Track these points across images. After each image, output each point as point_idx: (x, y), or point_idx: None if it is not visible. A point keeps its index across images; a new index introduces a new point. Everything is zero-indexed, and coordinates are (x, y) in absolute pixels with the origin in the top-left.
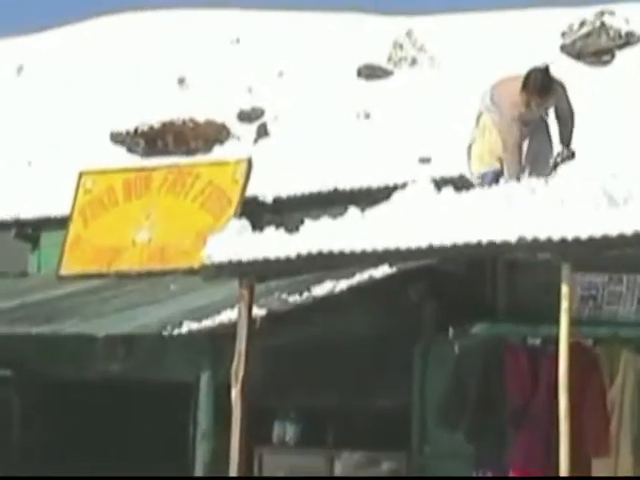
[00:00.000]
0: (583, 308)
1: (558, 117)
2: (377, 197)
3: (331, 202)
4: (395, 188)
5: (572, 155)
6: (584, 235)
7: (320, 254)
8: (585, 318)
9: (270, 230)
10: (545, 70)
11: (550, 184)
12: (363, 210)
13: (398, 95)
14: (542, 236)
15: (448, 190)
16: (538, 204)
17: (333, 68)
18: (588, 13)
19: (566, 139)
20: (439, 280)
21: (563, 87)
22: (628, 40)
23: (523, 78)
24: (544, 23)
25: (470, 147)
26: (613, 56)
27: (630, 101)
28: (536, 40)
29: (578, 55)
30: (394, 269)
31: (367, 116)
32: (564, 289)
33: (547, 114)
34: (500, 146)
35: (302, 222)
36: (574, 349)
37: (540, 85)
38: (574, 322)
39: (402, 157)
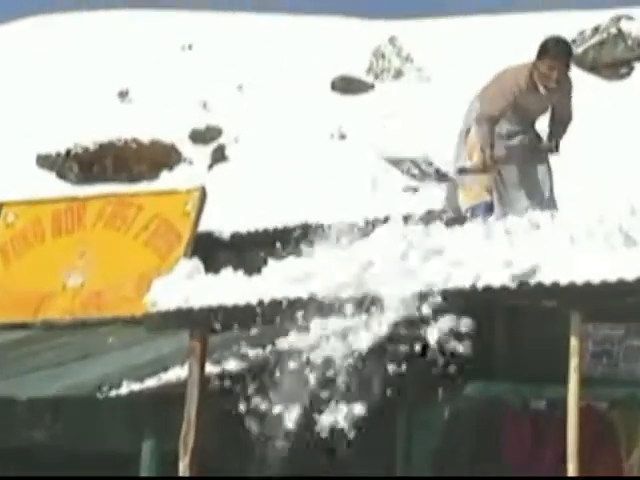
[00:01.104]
0: (596, 366)
1: (554, 118)
2: (354, 233)
3: (300, 239)
4: (376, 222)
5: (555, 148)
6: (597, 279)
7: (286, 300)
8: (598, 377)
9: (227, 272)
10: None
11: (557, 219)
12: (334, 249)
13: (379, 112)
14: (547, 280)
15: (437, 225)
16: (543, 242)
17: (303, 80)
18: (603, 18)
19: (556, 136)
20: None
21: (571, 85)
22: None
23: (541, 45)
24: (552, 28)
25: (460, 172)
26: (632, 68)
27: None
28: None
29: (591, 67)
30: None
31: (342, 137)
32: (573, 343)
33: (550, 109)
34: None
35: (265, 262)
36: (585, 414)
37: (566, 50)
38: (585, 382)
39: (384, 185)
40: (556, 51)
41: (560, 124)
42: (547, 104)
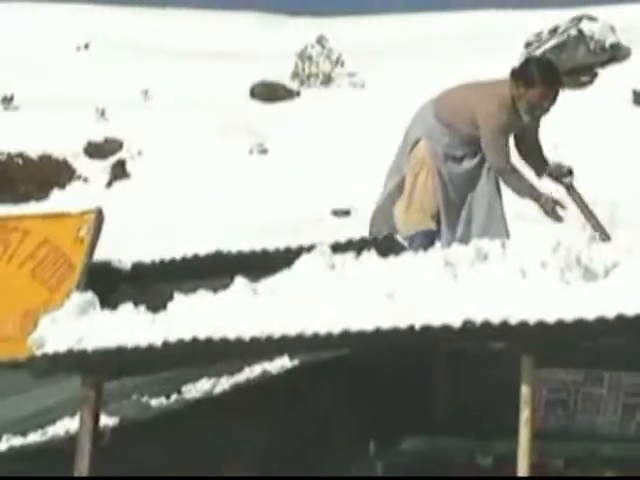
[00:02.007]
0: (550, 417)
1: (537, 145)
2: (274, 264)
3: (211, 270)
4: (299, 251)
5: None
6: (551, 318)
7: (195, 341)
8: (553, 430)
9: (127, 307)
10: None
11: (508, 249)
12: (254, 282)
13: (305, 123)
14: (496, 319)
15: (370, 254)
16: (491, 275)
17: (218, 86)
18: (562, 18)
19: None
20: (357, 377)
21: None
22: (614, 54)
23: (526, 68)
24: (502, 28)
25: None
26: (594, 75)
27: (614, 133)
28: (490, 51)
29: None
30: (296, 362)
31: (263, 151)
32: (525, 391)
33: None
34: (436, 196)
35: (171, 297)
36: (538, 471)
37: (557, 75)
38: (538, 436)
39: (310, 207)
40: (550, 78)
41: (535, 147)
42: (518, 129)
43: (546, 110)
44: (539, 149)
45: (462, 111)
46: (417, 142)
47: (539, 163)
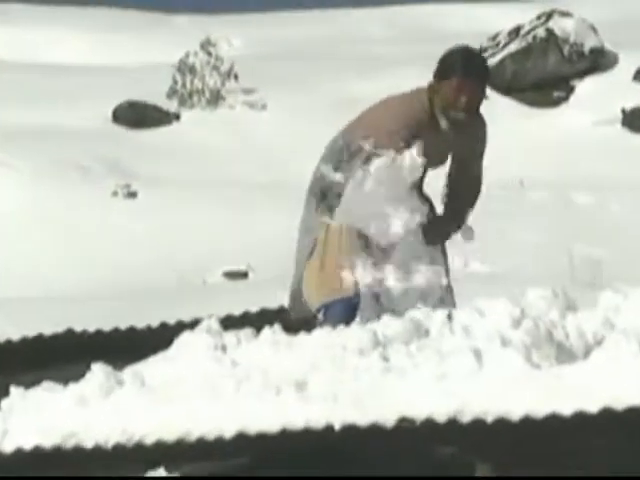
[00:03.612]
0: None
1: (458, 173)
2: (144, 344)
3: (60, 355)
4: (178, 327)
5: (465, 230)
6: (515, 414)
7: (38, 452)
8: None
9: None
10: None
11: (456, 321)
12: (119, 369)
13: (186, 156)
14: (441, 416)
15: (274, 331)
16: (434, 359)
17: (68, 109)
18: (526, 14)
19: (459, 208)
20: None
21: (484, 123)
22: (595, 62)
23: (442, 59)
24: (446, 26)
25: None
26: (570, 89)
27: (599, 165)
28: (428, 57)
29: (508, 88)
30: (176, 474)
31: (131, 194)
32: None
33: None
34: (357, 250)
35: (6, 392)
36: None
37: (480, 65)
38: None
39: (193, 268)
40: (466, 66)
41: (468, 186)
42: (448, 149)
43: (463, 110)
44: (468, 180)
45: (371, 132)
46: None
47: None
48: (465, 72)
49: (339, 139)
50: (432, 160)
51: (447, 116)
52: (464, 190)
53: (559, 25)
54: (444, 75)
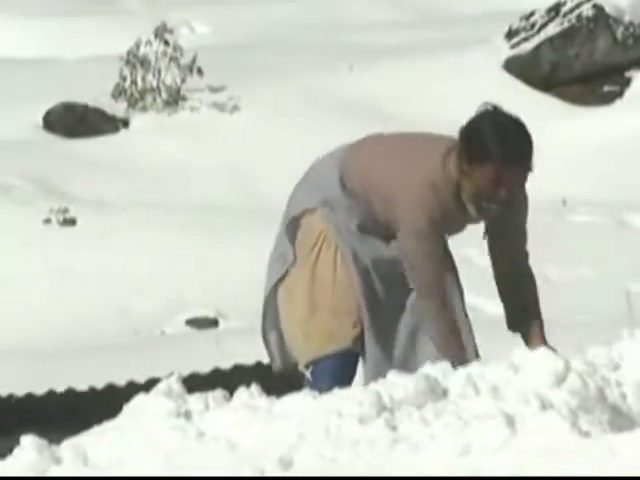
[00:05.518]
0: None
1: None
2: (89, 410)
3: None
4: (131, 390)
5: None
6: None
7: None
8: None
9: None
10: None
11: (481, 380)
12: (56, 443)
13: (137, 172)
14: None
15: (250, 394)
16: (455, 428)
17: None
18: None
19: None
20: None
21: (527, 202)
22: None
23: (471, 134)
24: (460, 4)
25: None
26: (626, 82)
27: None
28: (442, 45)
29: (546, 83)
30: None
31: (68, 221)
32: None
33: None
34: (346, 300)
35: None
36: None
37: (520, 141)
38: None
39: (148, 314)
40: (505, 149)
41: (524, 288)
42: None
43: (501, 204)
44: (515, 259)
45: (380, 190)
46: (304, 213)
47: (512, 288)
48: (504, 158)
49: (334, 167)
50: (451, 231)
51: (478, 206)
52: (519, 278)
53: (610, 1)
54: (475, 157)
